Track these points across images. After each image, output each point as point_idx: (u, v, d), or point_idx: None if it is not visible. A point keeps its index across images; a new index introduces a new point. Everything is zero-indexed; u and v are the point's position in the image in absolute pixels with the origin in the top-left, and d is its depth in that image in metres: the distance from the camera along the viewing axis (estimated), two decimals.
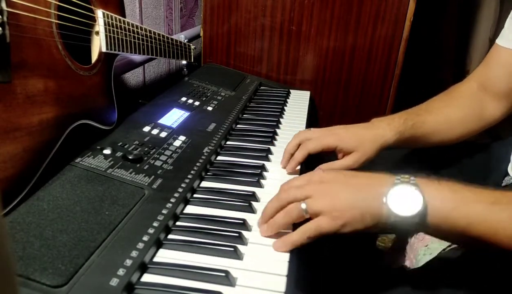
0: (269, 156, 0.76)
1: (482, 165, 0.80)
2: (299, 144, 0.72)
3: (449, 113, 0.76)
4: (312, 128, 0.76)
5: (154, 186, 0.59)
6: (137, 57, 1.03)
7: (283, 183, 0.58)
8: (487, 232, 0.45)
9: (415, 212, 0.46)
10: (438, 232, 0.49)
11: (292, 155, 0.72)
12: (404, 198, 0.47)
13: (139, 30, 0.81)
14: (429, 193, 0.47)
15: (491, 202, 0.46)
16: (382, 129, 0.71)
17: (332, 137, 0.71)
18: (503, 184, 0.73)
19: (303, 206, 0.51)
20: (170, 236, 0.53)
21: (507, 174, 0.74)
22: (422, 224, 0.47)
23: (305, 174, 0.57)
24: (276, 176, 0.71)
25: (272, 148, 0.80)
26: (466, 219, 0.45)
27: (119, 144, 0.67)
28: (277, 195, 0.55)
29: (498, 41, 0.75)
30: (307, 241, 0.50)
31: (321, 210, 0.50)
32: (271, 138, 0.83)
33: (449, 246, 0.69)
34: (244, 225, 0.55)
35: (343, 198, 0.50)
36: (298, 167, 0.72)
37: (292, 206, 0.52)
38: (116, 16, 0.73)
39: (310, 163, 0.73)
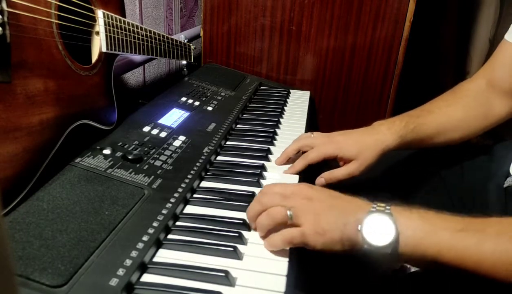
0: (269, 156, 0.76)
1: (484, 166, 0.79)
2: (298, 150, 0.72)
3: (452, 114, 0.75)
4: (313, 134, 0.75)
5: (154, 186, 0.59)
6: (137, 57, 1.03)
7: (266, 185, 0.57)
8: (455, 259, 0.46)
9: (388, 242, 0.46)
10: (411, 260, 0.49)
11: (290, 158, 0.72)
12: (377, 227, 0.47)
13: (139, 30, 0.81)
14: (401, 223, 0.47)
15: (459, 229, 0.46)
16: (383, 134, 0.71)
17: (332, 146, 0.70)
18: (505, 185, 0.72)
19: (289, 212, 0.51)
20: (170, 236, 0.53)
21: (509, 175, 0.73)
22: (394, 254, 0.47)
23: (290, 184, 0.56)
24: (276, 176, 0.71)
25: (272, 148, 0.80)
26: (435, 247, 0.46)
27: (119, 144, 0.67)
28: (259, 197, 0.55)
29: (507, 36, 0.73)
30: (288, 246, 0.51)
31: (305, 223, 0.50)
32: (271, 138, 0.83)
33: None
34: (244, 225, 0.55)
35: (326, 219, 0.50)
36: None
37: (276, 209, 0.52)
38: (116, 16, 0.73)
39: (310, 168, 0.73)
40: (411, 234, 0.47)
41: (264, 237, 0.53)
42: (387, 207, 0.49)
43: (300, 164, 0.70)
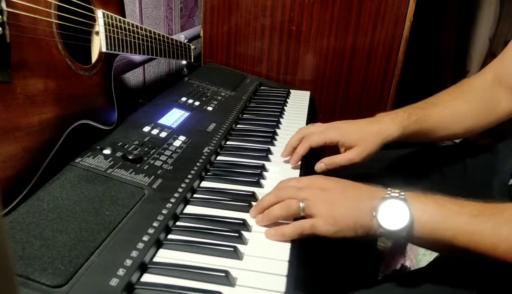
0: (269, 156, 0.76)
1: (487, 164, 0.79)
2: (302, 139, 0.72)
3: (457, 107, 0.75)
4: (315, 124, 0.76)
5: (154, 186, 0.59)
6: (137, 57, 1.03)
7: (282, 180, 0.59)
8: (471, 243, 0.47)
9: (402, 226, 0.48)
10: (425, 243, 0.51)
11: (294, 148, 0.72)
12: (392, 212, 0.49)
13: (139, 30, 0.81)
14: (416, 208, 0.49)
15: (474, 214, 0.47)
16: (385, 124, 0.71)
17: (335, 132, 0.71)
18: (510, 183, 0.72)
19: (302, 204, 0.52)
20: (170, 236, 0.53)
21: None
22: (409, 237, 0.48)
23: (305, 177, 0.58)
24: (276, 176, 0.71)
25: (272, 148, 0.80)
26: (451, 231, 0.47)
27: (119, 144, 0.67)
28: (275, 190, 0.57)
29: None
30: (298, 237, 0.52)
31: (318, 214, 0.52)
32: (271, 138, 0.83)
33: None
34: (244, 225, 0.55)
35: (340, 208, 0.52)
36: (299, 162, 0.73)
37: (291, 201, 0.54)
38: (116, 16, 0.73)
39: (312, 157, 0.73)
40: (427, 218, 0.48)
41: (268, 225, 0.55)
42: (402, 193, 0.50)
43: (302, 147, 0.71)
